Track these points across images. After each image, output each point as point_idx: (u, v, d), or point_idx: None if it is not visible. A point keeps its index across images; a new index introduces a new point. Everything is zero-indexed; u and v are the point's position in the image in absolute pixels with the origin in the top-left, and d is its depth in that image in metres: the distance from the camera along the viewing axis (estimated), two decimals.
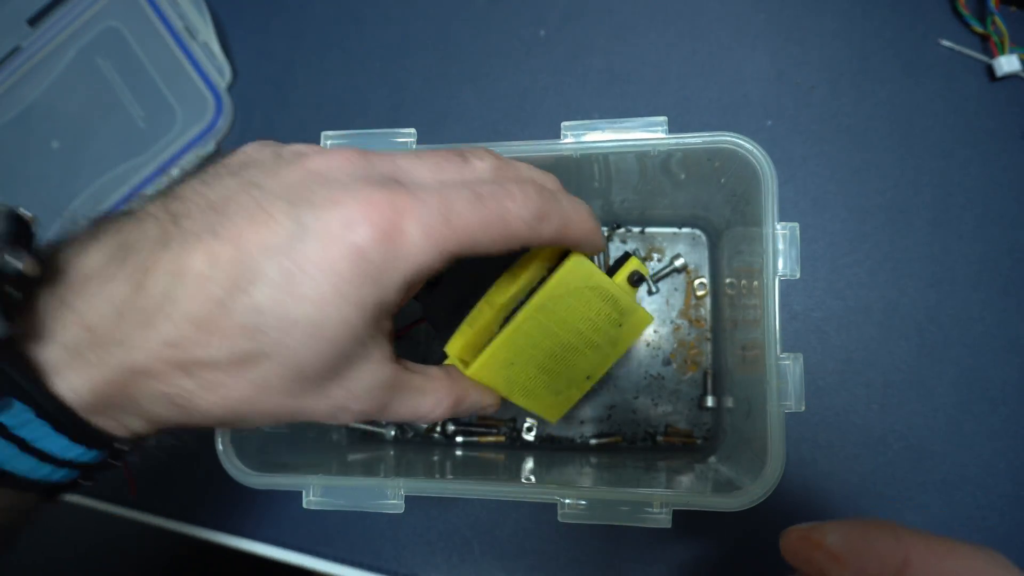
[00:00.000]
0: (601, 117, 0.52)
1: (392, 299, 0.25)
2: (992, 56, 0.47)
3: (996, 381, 0.45)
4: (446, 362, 0.35)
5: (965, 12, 0.48)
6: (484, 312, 0.33)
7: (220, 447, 0.36)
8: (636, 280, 0.36)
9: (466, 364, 0.33)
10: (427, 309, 0.35)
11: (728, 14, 0.52)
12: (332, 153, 0.26)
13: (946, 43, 0.49)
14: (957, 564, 0.23)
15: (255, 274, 0.23)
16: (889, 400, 0.46)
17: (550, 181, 0.32)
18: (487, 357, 0.33)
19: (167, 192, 0.26)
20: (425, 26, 0.56)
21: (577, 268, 0.33)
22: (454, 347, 0.33)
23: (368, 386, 0.28)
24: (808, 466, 0.46)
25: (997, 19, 0.47)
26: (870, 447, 0.45)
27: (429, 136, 0.54)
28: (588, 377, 0.42)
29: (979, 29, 0.48)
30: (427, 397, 0.31)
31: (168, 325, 0.23)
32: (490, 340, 0.33)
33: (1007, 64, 0.46)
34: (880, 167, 0.48)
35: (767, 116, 0.50)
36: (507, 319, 0.33)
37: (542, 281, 0.33)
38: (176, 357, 0.24)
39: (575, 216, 0.30)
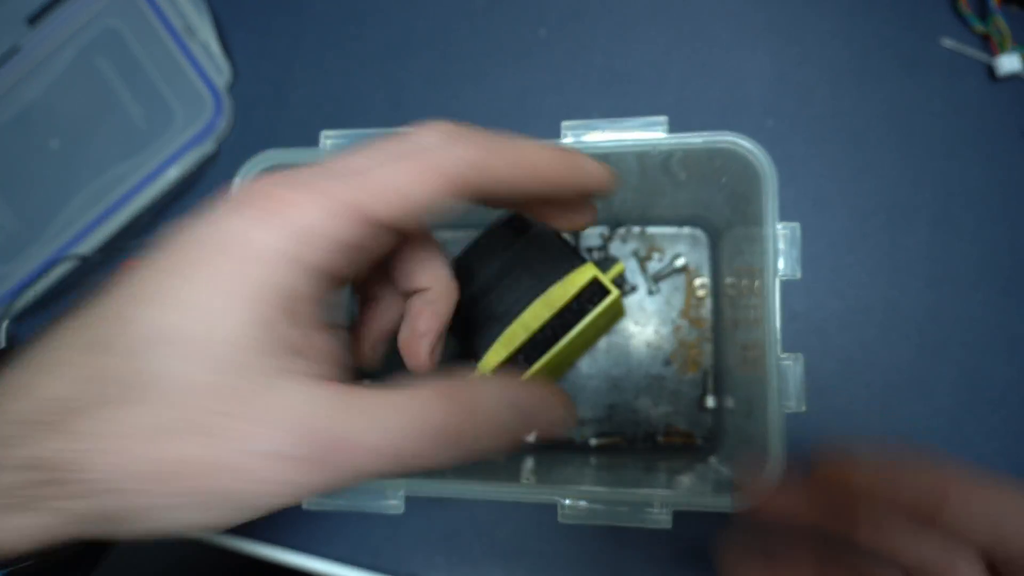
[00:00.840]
0: (601, 117, 0.52)
1: (306, 290, 0.19)
2: (993, 56, 0.47)
3: (996, 381, 0.45)
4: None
5: (966, 11, 0.48)
6: (519, 334, 0.35)
7: None
8: (619, 283, 0.37)
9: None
10: (454, 323, 0.36)
11: (728, 14, 0.52)
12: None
13: (946, 43, 0.49)
14: (1003, 507, 0.22)
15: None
16: (889, 400, 0.46)
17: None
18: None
19: None
20: (425, 26, 0.56)
21: (612, 302, 0.35)
22: (488, 364, 0.35)
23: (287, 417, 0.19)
24: (808, 466, 0.46)
25: (998, 18, 0.46)
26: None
27: None
28: (572, 366, 0.46)
29: (980, 28, 0.48)
30: (408, 419, 0.19)
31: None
32: (516, 355, 0.35)
33: (1008, 64, 0.46)
34: (880, 167, 0.48)
35: (767, 116, 0.50)
36: (538, 339, 0.35)
37: (571, 307, 0.35)
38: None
39: (539, 150, 0.24)
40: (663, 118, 0.36)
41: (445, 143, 0.22)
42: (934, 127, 0.48)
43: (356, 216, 0.20)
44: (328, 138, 0.38)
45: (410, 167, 0.21)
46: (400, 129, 0.24)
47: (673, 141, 0.36)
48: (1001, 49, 0.47)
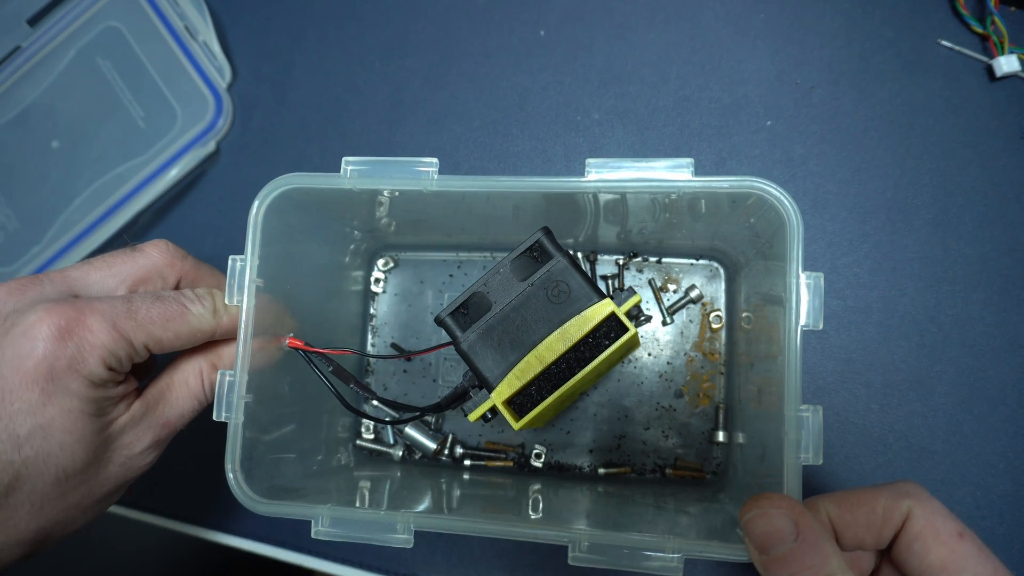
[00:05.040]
0: (601, 117, 0.52)
1: (100, 377, 0.31)
2: (992, 56, 0.47)
3: (996, 381, 0.45)
4: (483, 407, 0.36)
5: (965, 12, 0.48)
6: (533, 365, 0.35)
7: (231, 475, 0.36)
8: (635, 314, 0.37)
9: (510, 410, 0.35)
10: (469, 349, 0.36)
11: (728, 14, 0.52)
12: (1, 288, 0.32)
13: (946, 43, 0.49)
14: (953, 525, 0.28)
15: None
16: (889, 400, 0.46)
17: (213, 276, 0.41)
18: (536, 414, 0.35)
19: None
20: (425, 26, 0.56)
21: (630, 340, 0.35)
22: (501, 394, 0.35)
23: (135, 432, 0.34)
24: (807, 466, 0.46)
25: (997, 19, 0.47)
26: (870, 447, 0.45)
27: (429, 137, 0.54)
28: (584, 394, 0.45)
29: (979, 29, 0.48)
30: (182, 391, 0.37)
31: None
32: (529, 386, 0.35)
33: (1007, 64, 0.46)
34: (880, 167, 0.48)
35: (767, 116, 0.50)
36: (551, 371, 0.35)
37: (587, 340, 0.35)
38: None
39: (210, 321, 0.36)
40: (689, 160, 0.35)
41: (196, 301, 0.36)
42: (933, 127, 0.48)
43: (139, 345, 0.33)
44: (350, 164, 0.38)
45: (170, 313, 0.34)
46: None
47: (699, 185, 0.35)
48: (1000, 50, 0.47)
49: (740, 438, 0.44)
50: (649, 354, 0.48)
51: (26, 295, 0.32)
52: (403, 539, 0.35)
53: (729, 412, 0.46)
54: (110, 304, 0.32)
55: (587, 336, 0.35)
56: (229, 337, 0.38)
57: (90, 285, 0.35)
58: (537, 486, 0.45)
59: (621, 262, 0.49)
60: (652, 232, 0.45)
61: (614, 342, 0.35)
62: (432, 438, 0.48)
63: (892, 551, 0.29)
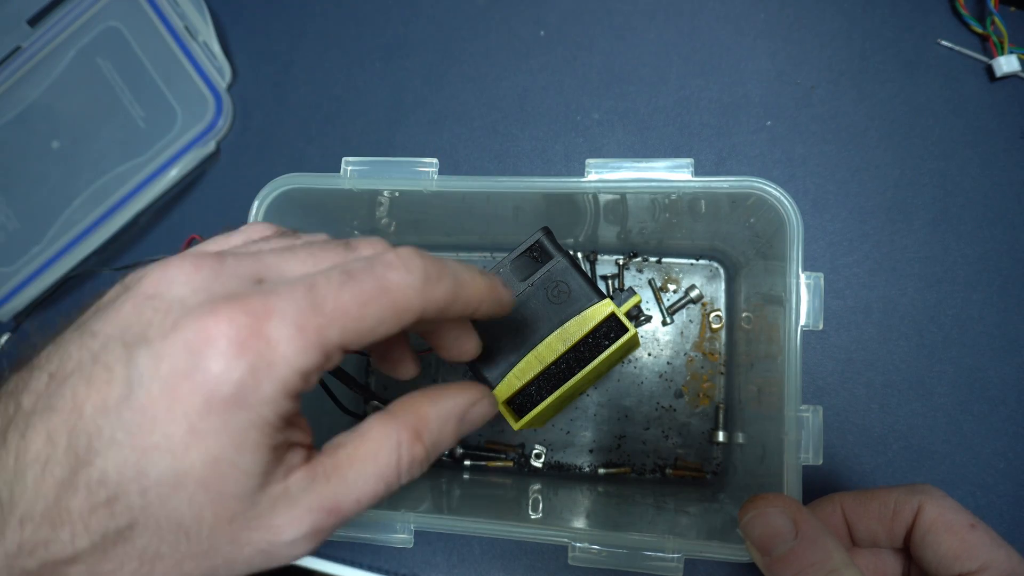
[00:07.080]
0: (600, 117, 0.52)
1: (276, 414, 0.22)
2: (992, 56, 0.47)
3: (996, 381, 0.45)
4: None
5: (964, 12, 0.48)
6: (533, 365, 0.35)
7: None
8: (635, 315, 0.37)
9: (510, 410, 0.35)
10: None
11: (728, 14, 0.52)
12: (173, 264, 0.23)
13: (946, 43, 0.49)
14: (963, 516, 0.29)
15: (94, 439, 0.20)
16: (889, 400, 0.46)
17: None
18: (536, 414, 0.35)
19: (26, 361, 0.23)
20: (425, 26, 0.56)
21: (630, 340, 0.35)
22: (501, 394, 0.35)
23: (288, 513, 0.23)
24: (807, 467, 0.46)
25: (996, 19, 0.47)
26: (870, 447, 0.45)
27: (430, 137, 0.54)
28: (584, 394, 0.45)
29: (978, 29, 0.48)
30: (368, 468, 0.25)
31: (13, 531, 0.20)
32: (528, 386, 0.35)
33: (1006, 64, 0.46)
34: (880, 167, 0.48)
35: (767, 116, 0.50)
36: (551, 371, 0.35)
37: (587, 341, 0.35)
38: (30, 566, 0.20)
39: (467, 275, 0.26)
40: (689, 160, 0.35)
41: (399, 267, 0.24)
42: (933, 127, 0.48)
43: (334, 349, 0.23)
44: (349, 164, 0.38)
45: (368, 293, 0.23)
46: (354, 239, 0.26)
47: (699, 185, 0.35)
48: (1000, 50, 0.47)
49: (740, 438, 0.44)
50: (649, 354, 0.48)
51: (198, 279, 0.23)
52: (403, 539, 0.36)
53: (729, 412, 0.46)
54: (290, 296, 0.22)
55: (587, 336, 0.35)
56: (453, 305, 0.26)
57: (282, 275, 0.25)
58: (537, 486, 0.45)
59: (621, 262, 0.49)
60: (652, 232, 0.45)
61: (614, 342, 0.35)
62: None
63: (909, 547, 0.29)
